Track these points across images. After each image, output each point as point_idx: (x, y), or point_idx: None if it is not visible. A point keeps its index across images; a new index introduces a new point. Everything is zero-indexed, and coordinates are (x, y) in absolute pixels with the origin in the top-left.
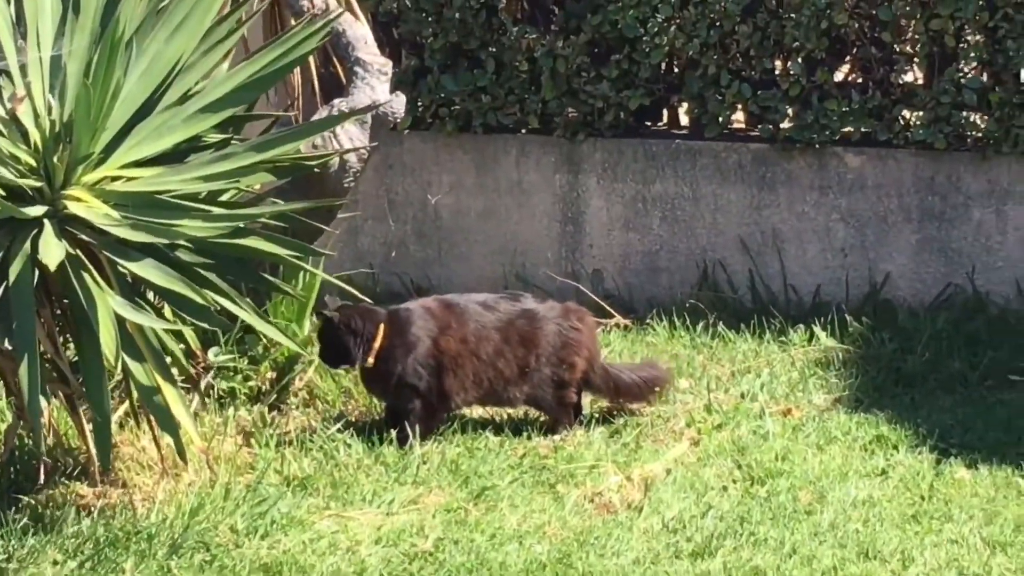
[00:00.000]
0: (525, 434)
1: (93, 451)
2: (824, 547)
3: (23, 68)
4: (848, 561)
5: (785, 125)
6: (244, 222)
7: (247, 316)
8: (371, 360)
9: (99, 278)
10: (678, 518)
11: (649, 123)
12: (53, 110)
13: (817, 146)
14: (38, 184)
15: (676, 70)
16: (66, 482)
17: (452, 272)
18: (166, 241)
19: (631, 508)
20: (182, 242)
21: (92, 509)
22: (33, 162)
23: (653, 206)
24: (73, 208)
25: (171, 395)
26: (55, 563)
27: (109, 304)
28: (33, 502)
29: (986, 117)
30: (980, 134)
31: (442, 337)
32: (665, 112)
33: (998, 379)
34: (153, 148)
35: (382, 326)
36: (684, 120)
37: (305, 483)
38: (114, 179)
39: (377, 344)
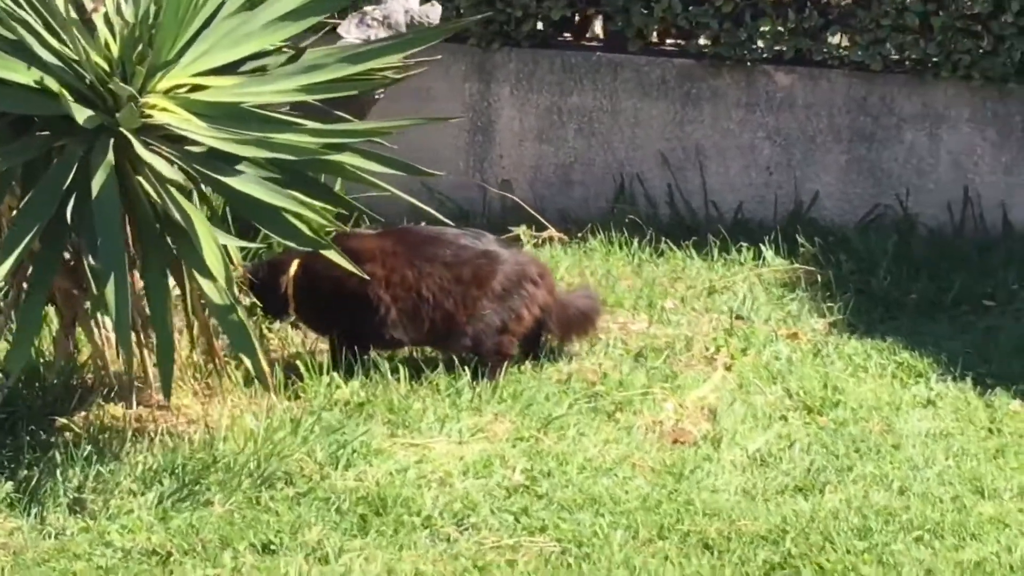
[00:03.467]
0: (563, 359)
1: (151, 375)
2: (933, 484)
3: None
4: (967, 498)
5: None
6: (344, 138)
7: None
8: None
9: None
10: (763, 451)
11: (563, 36)
12: (125, 11)
13: (748, 64)
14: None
15: None
16: (101, 403)
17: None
18: (268, 154)
19: (707, 439)
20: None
21: (150, 435)
22: (107, 67)
23: (569, 118)
24: (159, 117)
25: (243, 314)
26: (132, 493)
27: (206, 222)
28: (73, 425)
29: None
30: (919, 57)
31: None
32: (579, 24)
33: (972, 304)
34: (229, 55)
35: (289, 275)
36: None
37: (362, 408)
38: (190, 88)
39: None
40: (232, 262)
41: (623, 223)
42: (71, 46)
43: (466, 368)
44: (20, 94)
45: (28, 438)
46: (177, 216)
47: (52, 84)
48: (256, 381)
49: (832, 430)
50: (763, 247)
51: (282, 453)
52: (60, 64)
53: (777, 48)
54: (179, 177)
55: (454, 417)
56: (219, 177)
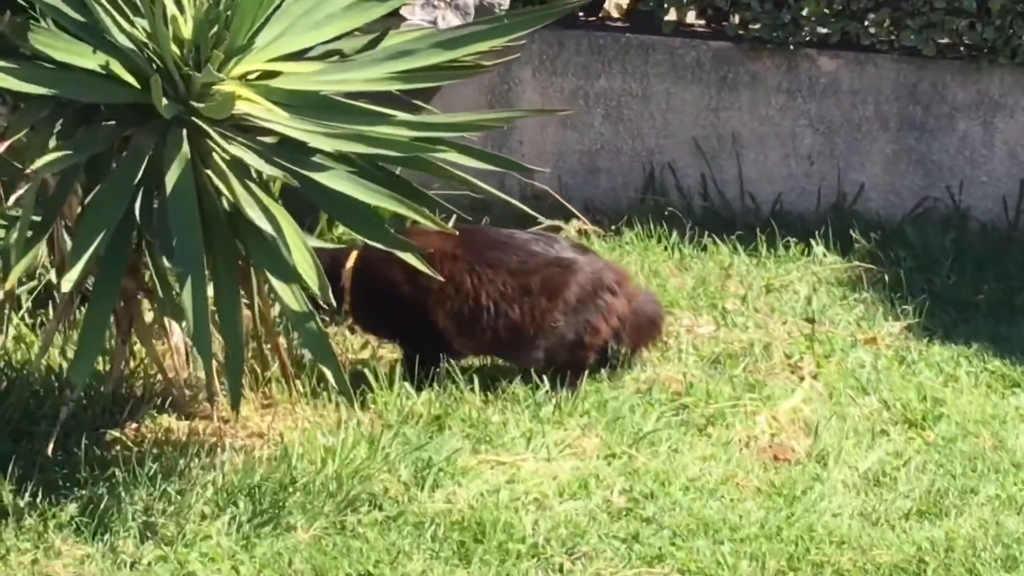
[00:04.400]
0: (637, 367)
1: (218, 388)
2: None
3: None
4: None
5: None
6: (443, 131)
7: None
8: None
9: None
10: (875, 470)
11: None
12: None
13: (791, 47)
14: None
15: None
16: (155, 415)
17: None
18: (365, 150)
19: (811, 457)
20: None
21: (217, 451)
22: (179, 51)
23: (596, 103)
24: (239, 106)
25: (320, 323)
26: (205, 517)
27: (292, 221)
28: (125, 438)
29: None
30: (974, 42)
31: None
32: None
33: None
34: (308, 39)
35: (347, 268)
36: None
37: (439, 422)
38: (261, 74)
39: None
40: None
41: (654, 215)
42: (146, 28)
43: (544, 378)
44: (85, 80)
45: (83, 454)
46: (251, 215)
47: (119, 69)
48: (331, 393)
49: (941, 447)
50: (813, 242)
51: (364, 472)
52: (132, 47)
53: (821, 31)
54: (276, 172)
55: (539, 432)
56: (308, 173)
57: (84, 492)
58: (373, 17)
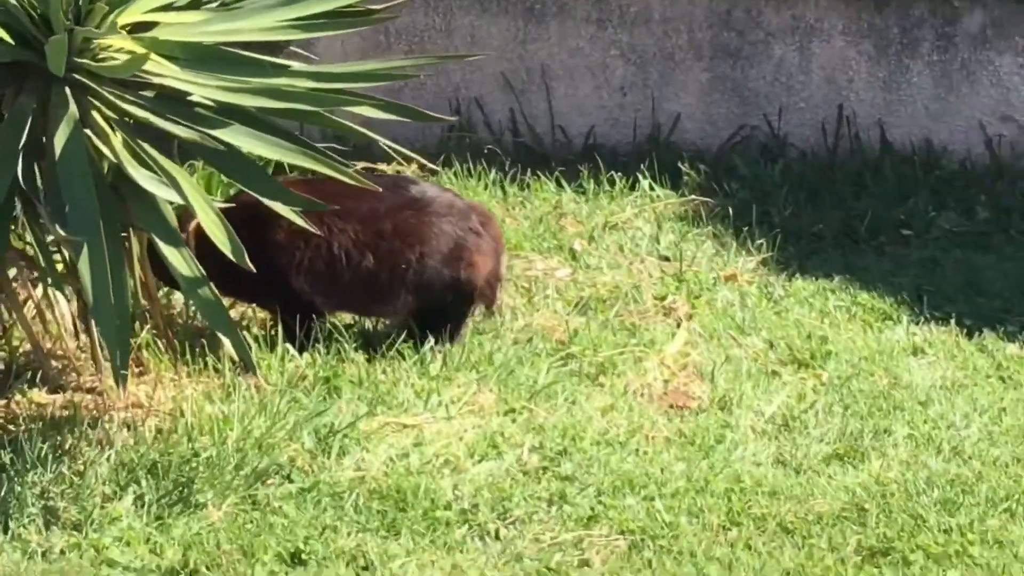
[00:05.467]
0: (508, 314)
1: (101, 358)
2: (984, 444)
3: None
4: None
5: None
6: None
7: None
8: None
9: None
10: (782, 414)
11: None
12: None
13: None
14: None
15: None
16: (24, 389)
17: None
18: (271, 104)
19: (712, 403)
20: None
21: (103, 425)
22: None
23: (397, 39)
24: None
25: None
26: (108, 498)
27: (193, 182)
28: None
29: None
30: None
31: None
32: None
33: (888, 234)
34: None
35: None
36: None
37: (327, 383)
38: (145, 25)
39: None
40: None
41: (467, 152)
42: None
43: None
44: None
45: None
46: (136, 176)
47: None
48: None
49: (838, 386)
50: (640, 176)
51: (267, 443)
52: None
53: None
54: (184, 133)
55: (432, 389)
56: (207, 130)
57: None
58: None
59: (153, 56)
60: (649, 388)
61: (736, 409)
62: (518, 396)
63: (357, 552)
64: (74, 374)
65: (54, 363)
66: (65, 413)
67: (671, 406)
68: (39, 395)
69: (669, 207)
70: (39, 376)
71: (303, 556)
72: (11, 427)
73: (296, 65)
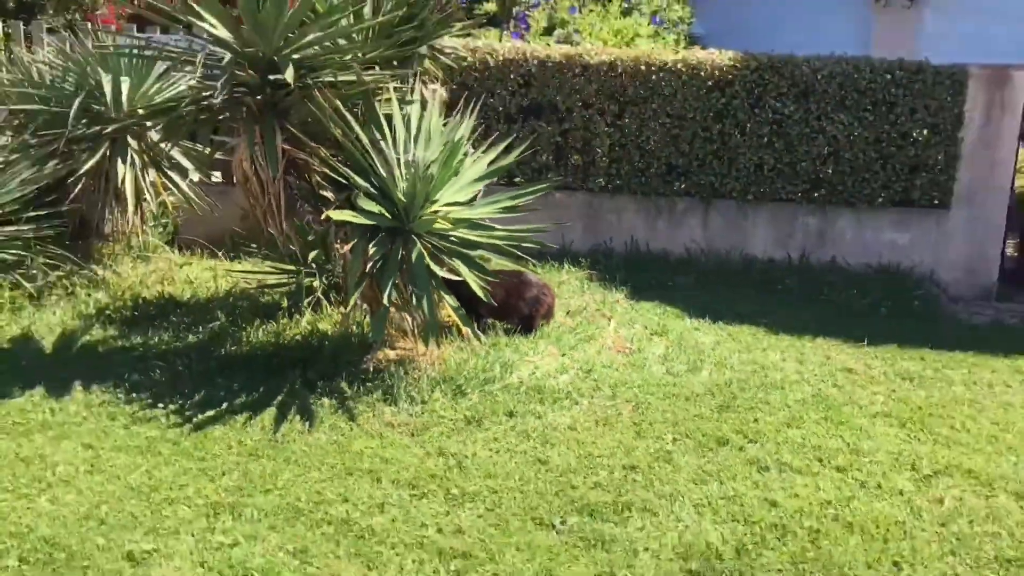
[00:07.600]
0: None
1: (417, 336)
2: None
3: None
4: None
5: None
6: (520, 234)
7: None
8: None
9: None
10: (661, 354)
11: None
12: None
13: None
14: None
15: None
16: (386, 350)
17: None
18: (492, 241)
19: (634, 351)
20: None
21: (405, 367)
22: (404, 199)
23: None
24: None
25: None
26: (426, 392)
27: (439, 276)
28: (370, 363)
29: None
30: None
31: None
32: None
33: (661, 285)
34: (461, 195)
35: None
36: None
37: (498, 345)
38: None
39: None
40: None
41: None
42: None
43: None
44: (375, 218)
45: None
46: (436, 270)
47: (373, 207)
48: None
49: (676, 342)
50: (563, 262)
51: (484, 368)
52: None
53: None
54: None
55: (532, 347)
56: (464, 251)
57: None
58: (480, 185)
59: (445, 223)
60: (608, 344)
61: (644, 352)
62: (563, 348)
63: (524, 410)
64: (399, 342)
65: (394, 333)
66: (401, 356)
67: (619, 351)
68: (385, 351)
69: (581, 274)
70: (386, 343)
71: (511, 414)
72: (383, 365)
73: (497, 228)
